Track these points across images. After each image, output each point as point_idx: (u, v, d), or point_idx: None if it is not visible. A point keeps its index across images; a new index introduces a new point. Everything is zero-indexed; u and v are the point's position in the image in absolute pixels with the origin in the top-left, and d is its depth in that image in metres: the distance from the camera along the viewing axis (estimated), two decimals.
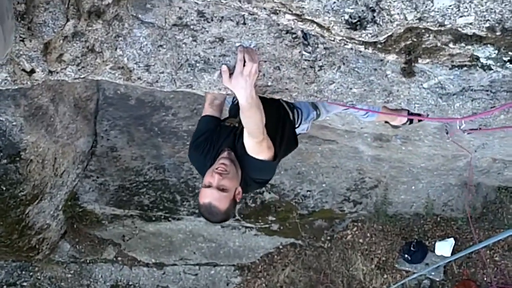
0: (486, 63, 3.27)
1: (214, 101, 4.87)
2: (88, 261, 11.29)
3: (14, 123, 7.42)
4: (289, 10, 2.85)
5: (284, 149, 4.71)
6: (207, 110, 4.95)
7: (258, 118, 3.93)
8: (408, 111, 5.55)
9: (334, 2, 2.72)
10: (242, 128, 4.26)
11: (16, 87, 3.45)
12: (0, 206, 8.20)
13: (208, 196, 4.29)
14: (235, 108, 4.89)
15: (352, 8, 2.75)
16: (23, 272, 10.97)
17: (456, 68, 3.53)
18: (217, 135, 4.74)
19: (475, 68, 3.46)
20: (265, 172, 4.51)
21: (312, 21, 2.94)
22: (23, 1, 2.93)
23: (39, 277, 11.10)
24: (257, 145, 4.15)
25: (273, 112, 4.58)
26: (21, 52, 3.18)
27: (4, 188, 7.95)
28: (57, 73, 3.46)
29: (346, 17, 2.80)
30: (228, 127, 4.77)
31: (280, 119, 4.75)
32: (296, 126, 5.00)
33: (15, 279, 10.90)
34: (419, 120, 5.96)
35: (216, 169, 4.31)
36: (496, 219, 10.29)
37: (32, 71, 3.33)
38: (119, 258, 11.32)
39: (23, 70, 3.31)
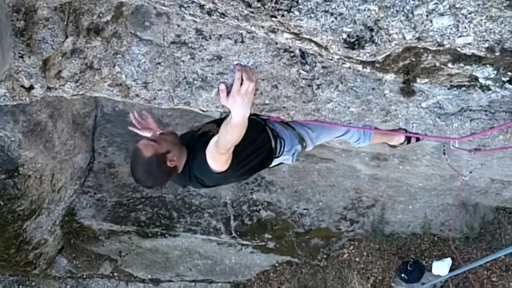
0: (485, 83, 3.27)
1: None
2: (84, 277, 11.25)
3: (12, 139, 7.41)
4: (287, 28, 2.85)
5: (245, 170, 4.74)
6: None
7: (235, 137, 3.92)
8: (406, 130, 5.57)
9: (332, 21, 2.73)
10: (206, 134, 4.40)
11: (15, 103, 3.45)
12: None
13: (139, 143, 4.42)
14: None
15: (350, 27, 2.76)
16: (20, 287, 10.92)
17: (455, 88, 3.53)
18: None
19: (474, 88, 3.46)
20: (206, 176, 4.49)
21: (310, 40, 2.94)
22: (22, 18, 2.93)
23: None
24: (216, 154, 4.15)
25: (254, 134, 4.65)
26: (20, 68, 3.18)
27: (2, 203, 7.93)
28: (56, 89, 3.46)
29: (344, 36, 2.80)
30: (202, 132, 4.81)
31: (258, 141, 4.77)
32: (276, 155, 5.00)
33: None
34: (417, 139, 5.96)
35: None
36: (494, 240, 10.25)
37: (31, 87, 3.33)
38: (116, 274, 11.28)
39: (22, 86, 3.31)
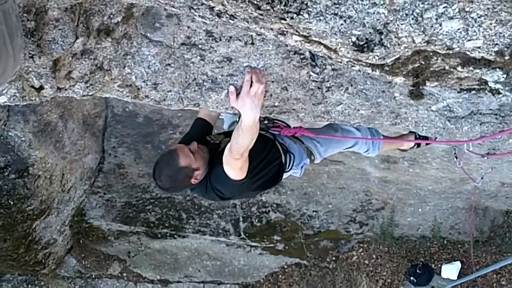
0: (495, 87, 3.26)
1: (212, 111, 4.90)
2: (93, 277, 11.28)
3: (23, 139, 7.45)
4: (296, 31, 2.84)
5: (259, 184, 4.80)
6: (202, 113, 5.07)
7: (247, 141, 3.93)
8: (415, 133, 5.56)
9: (342, 24, 2.72)
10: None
11: (25, 103, 3.46)
12: (7, 221, 8.22)
13: (178, 147, 4.50)
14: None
15: (359, 30, 2.75)
16: (29, 286, 10.96)
17: (465, 92, 3.51)
18: (205, 143, 4.80)
19: (483, 91, 3.44)
20: (224, 186, 4.51)
21: (319, 43, 2.94)
22: (33, 19, 2.94)
23: None
24: (231, 161, 4.16)
25: (265, 149, 4.76)
26: (30, 69, 3.19)
27: (12, 203, 7.97)
28: (66, 90, 3.47)
29: (354, 39, 2.79)
30: (213, 144, 4.82)
31: (269, 157, 4.82)
32: (286, 170, 5.07)
33: None
34: (427, 143, 5.94)
35: None
36: (504, 243, 10.23)
37: (41, 87, 3.34)
38: (124, 274, 11.31)
39: (32, 86, 3.32)
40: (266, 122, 4.99)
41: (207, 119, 5.07)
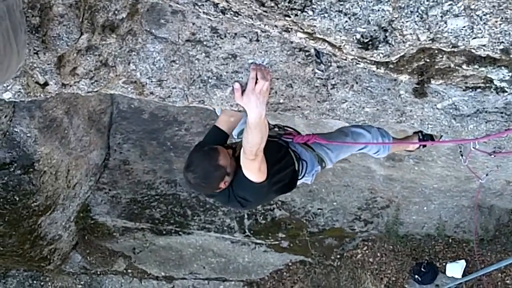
0: (500, 86, 3.25)
1: (230, 118, 4.87)
2: (98, 273, 11.30)
3: (28, 135, 7.46)
4: (301, 28, 2.84)
5: (278, 188, 4.82)
6: (220, 121, 4.97)
7: (256, 139, 3.92)
8: (421, 132, 5.55)
9: (346, 21, 2.72)
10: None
11: (30, 99, 3.46)
12: (13, 216, 8.24)
13: (220, 147, 4.51)
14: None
15: (364, 28, 2.74)
16: (35, 282, 10.98)
17: (470, 90, 3.50)
18: None
19: (489, 90, 3.44)
20: (247, 190, 4.51)
21: (324, 40, 2.94)
22: (37, 14, 2.94)
23: (49, 287, 11.11)
24: (247, 162, 4.16)
25: (279, 155, 4.79)
26: (35, 65, 3.19)
27: (17, 199, 7.99)
28: (71, 86, 3.47)
29: (358, 36, 2.79)
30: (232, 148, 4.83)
31: (284, 161, 4.85)
32: (299, 177, 5.08)
33: None
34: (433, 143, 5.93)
35: None
36: (509, 242, 10.18)
37: (46, 83, 3.34)
38: (129, 271, 11.32)
39: (37, 82, 3.32)
40: (276, 129, 5.01)
41: (224, 128, 4.97)
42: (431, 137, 5.53)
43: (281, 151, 4.89)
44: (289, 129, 5.18)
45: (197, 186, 4.55)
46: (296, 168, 4.98)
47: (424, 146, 6.11)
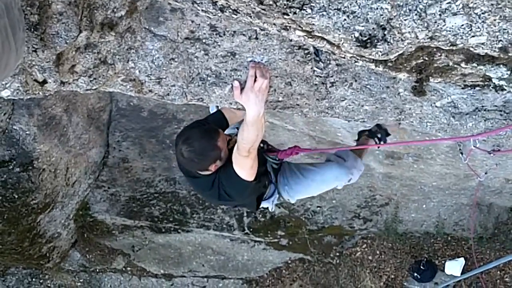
0: (499, 84, 3.25)
1: (236, 110, 4.86)
2: (97, 271, 11.31)
3: (27, 132, 7.46)
4: (299, 26, 2.84)
5: (253, 197, 4.95)
6: (226, 109, 4.99)
7: (252, 136, 3.92)
8: (376, 136, 5.57)
9: (345, 20, 2.72)
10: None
11: (28, 97, 3.46)
12: (12, 214, 8.24)
13: (221, 132, 4.51)
14: None
15: (362, 26, 2.75)
16: (34, 280, 10.99)
17: (469, 88, 3.51)
18: None
19: (488, 88, 3.44)
20: (234, 185, 4.48)
21: (322, 38, 2.94)
22: (36, 12, 2.94)
23: (49, 285, 11.12)
24: (239, 158, 4.16)
25: (263, 170, 4.89)
26: (33, 63, 3.19)
27: (16, 196, 7.99)
28: (69, 84, 3.47)
29: (356, 34, 2.79)
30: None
31: (263, 178, 4.94)
32: (264, 197, 5.20)
33: (25, 286, 10.93)
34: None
35: None
36: (508, 240, 10.21)
37: (44, 81, 3.34)
38: (129, 268, 11.33)
39: (35, 80, 3.32)
40: (261, 145, 4.99)
41: (227, 115, 5.02)
42: (385, 133, 5.53)
43: (264, 166, 4.94)
44: (273, 147, 5.26)
45: (188, 160, 4.42)
46: (264, 190, 5.10)
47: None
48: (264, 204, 5.29)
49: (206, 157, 4.35)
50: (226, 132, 5.07)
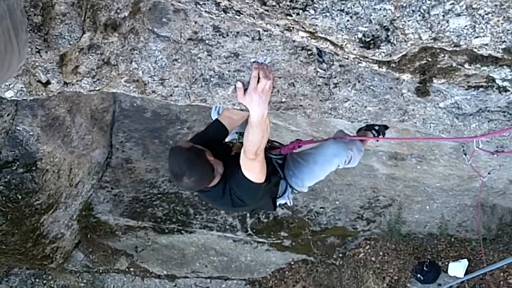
0: (502, 85, 3.25)
1: (233, 116, 4.84)
2: (101, 271, 11.32)
3: (31, 133, 7.47)
4: (302, 27, 2.84)
5: (267, 199, 4.95)
6: (224, 117, 4.92)
7: (258, 137, 3.92)
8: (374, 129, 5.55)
9: (348, 20, 2.72)
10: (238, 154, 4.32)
11: (32, 98, 3.46)
12: (15, 215, 8.25)
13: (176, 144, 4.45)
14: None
15: (365, 27, 2.74)
16: (37, 280, 11.01)
17: (473, 89, 3.50)
18: (217, 146, 4.77)
19: (491, 89, 3.44)
20: (246, 190, 4.46)
21: (326, 39, 2.94)
22: (39, 13, 2.94)
23: (52, 286, 11.14)
24: (247, 161, 4.15)
25: (271, 169, 4.74)
26: (37, 64, 3.19)
27: (20, 197, 8.00)
28: (73, 85, 3.47)
29: (360, 35, 2.79)
30: (228, 146, 4.84)
31: (273, 178, 4.89)
32: (278, 195, 5.17)
33: (29, 287, 10.94)
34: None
35: None
36: (511, 241, 10.19)
37: (48, 82, 3.34)
38: (132, 269, 11.34)
39: (39, 81, 3.32)
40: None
41: (225, 123, 4.91)
42: (384, 126, 5.50)
43: (271, 164, 4.90)
44: (275, 143, 5.23)
45: (192, 186, 4.46)
46: (277, 186, 5.09)
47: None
48: (281, 201, 5.26)
49: (204, 174, 4.33)
50: (227, 139, 5.09)
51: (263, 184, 4.40)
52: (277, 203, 5.22)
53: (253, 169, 4.23)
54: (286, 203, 5.36)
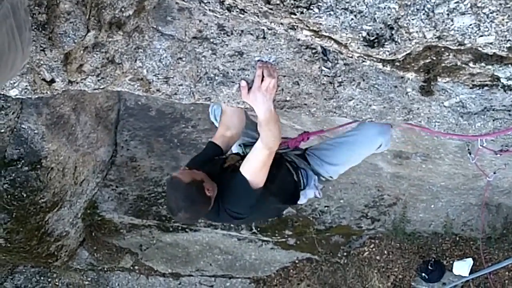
0: (507, 84, 3.25)
1: (226, 131, 4.78)
2: (105, 269, 11.32)
3: (36, 131, 7.47)
4: (306, 26, 2.85)
5: (276, 199, 4.75)
6: (216, 137, 4.86)
7: (276, 131, 3.94)
8: None
9: (352, 19, 2.72)
10: (236, 167, 4.30)
11: (36, 96, 3.47)
12: (20, 213, 8.25)
13: (173, 174, 4.35)
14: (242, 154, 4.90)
15: (370, 26, 2.74)
16: (42, 278, 11.01)
17: (478, 88, 3.50)
18: (211, 163, 4.69)
19: (496, 88, 3.43)
20: (241, 200, 4.39)
21: (330, 38, 2.94)
22: (44, 11, 2.95)
23: (57, 283, 11.14)
24: (256, 155, 4.12)
25: (275, 165, 4.53)
26: (41, 62, 3.20)
27: (24, 195, 8.00)
28: (77, 83, 3.48)
29: (364, 34, 2.79)
30: (222, 161, 4.76)
31: (281, 174, 4.74)
32: (302, 188, 4.97)
33: (33, 285, 10.95)
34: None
35: None
36: None
37: (52, 81, 3.35)
38: (136, 267, 11.34)
39: (43, 79, 3.33)
40: None
41: (219, 142, 4.82)
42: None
43: (276, 162, 4.78)
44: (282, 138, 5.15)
45: (192, 214, 4.37)
46: (296, 179, 4.89)
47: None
48: (309, 194, 5.12)
49: (194, 198, 4.22)
50: (234, 150, 5.07)
51: (259, 191, 4.29)
52: (300, 198, 5.02)
53: (260, 170, 4.17)
54: (313, 196, 5.23)
